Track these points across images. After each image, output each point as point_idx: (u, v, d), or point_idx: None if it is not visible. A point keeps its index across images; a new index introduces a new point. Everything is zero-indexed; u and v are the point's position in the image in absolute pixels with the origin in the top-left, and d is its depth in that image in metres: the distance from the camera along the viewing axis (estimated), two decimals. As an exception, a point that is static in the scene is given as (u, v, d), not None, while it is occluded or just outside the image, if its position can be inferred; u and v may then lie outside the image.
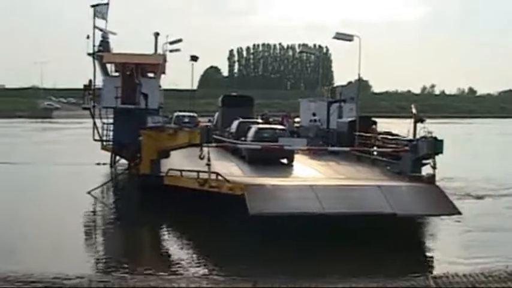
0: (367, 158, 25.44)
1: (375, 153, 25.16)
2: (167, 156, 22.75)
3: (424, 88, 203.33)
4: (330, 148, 25.92)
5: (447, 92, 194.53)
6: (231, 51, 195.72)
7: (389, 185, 18.88)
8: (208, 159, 18.87)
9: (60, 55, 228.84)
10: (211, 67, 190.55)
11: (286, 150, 23.36)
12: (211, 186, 18.54)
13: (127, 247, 16.68)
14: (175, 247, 16.31)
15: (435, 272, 13.66)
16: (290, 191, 17.64)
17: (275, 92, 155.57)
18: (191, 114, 43.37)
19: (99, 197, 23.86)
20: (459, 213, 17.64)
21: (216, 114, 39.62)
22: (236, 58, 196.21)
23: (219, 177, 18.58)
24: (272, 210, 16.34)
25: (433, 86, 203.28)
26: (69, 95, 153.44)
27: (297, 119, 37.42)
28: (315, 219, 16.37)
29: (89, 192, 23.79)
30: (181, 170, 20.70)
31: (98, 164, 33.01)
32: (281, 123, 33.26)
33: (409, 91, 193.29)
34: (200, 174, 19.10)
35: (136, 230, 19.03)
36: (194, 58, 30.16)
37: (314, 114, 32.66)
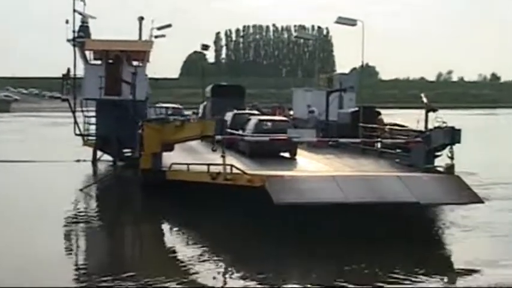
0: (373, 150, 27.55)
1: (379, 145, 27.32)
2: (171, 149, 24.77)
3: (439, 74, 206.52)
4: (341, 140, 27.87)
5: (466, 79, 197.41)
6: (218, 34, 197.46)
7: (408, 175, 21.08)
8: (223, 151, 20.62)
9: (22, 41, 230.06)
10: (195, 52, 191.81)
11: (290, 144, 25.34)
12: (226, 179, 20.35)
13: (112, 250, 18.14)
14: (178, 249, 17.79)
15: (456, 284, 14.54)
16: (311, 182, 19.70)
17: (268, 81, 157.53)
18: (175, 106, 45.61)
19: (93, 194, 25.84)
20: (482, 202, 19.76)
21: (203, 105, 41.90)
22: (224, 42, 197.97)
23: (234, 170, 20.41)
24: (296, 200, 18.40)
25: (450, 72, 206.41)
26: (31, 85, 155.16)
27: (291, 112, 39.88)
28: (332, 210, 18.45)
29: (81, 190, 25.75)
30: (188, 164, 22.71)
31: (78, 161, 34.94)
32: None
33: (422, 78, 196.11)
34: (211, 167, 21.00)
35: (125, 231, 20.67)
36: (205, 47, 31.92)
37: (309, 106, 34.80)
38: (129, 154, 32.19)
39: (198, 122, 23.78)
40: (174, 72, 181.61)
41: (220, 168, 20.60)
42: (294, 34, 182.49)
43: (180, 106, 49.39)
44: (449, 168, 21.40)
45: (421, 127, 24.14)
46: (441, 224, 20.19)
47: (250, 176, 19.96)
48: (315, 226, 18.54)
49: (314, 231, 18.26)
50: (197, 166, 22.43)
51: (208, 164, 21.28)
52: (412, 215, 20.21)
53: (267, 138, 24.75)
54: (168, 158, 24.71)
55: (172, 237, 19.50)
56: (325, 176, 20.50)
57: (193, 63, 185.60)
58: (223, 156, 20.49)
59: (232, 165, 20.61)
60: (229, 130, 28.70)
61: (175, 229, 20.51)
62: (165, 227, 21.18)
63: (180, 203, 22.68)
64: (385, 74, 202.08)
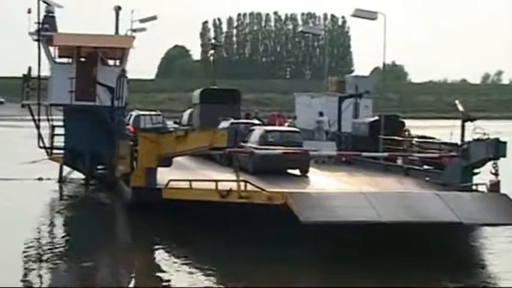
0: (397, 167, 29.62)
1: (399, 161, 29.37)
2: (169, 164, 27.05)
3: (486, 76, 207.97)
4: (365, 154, 29.85)
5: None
6: (205, 23, 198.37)
7: (447, 192, 23.11)
8: (236, 166, 22.97)
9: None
10: (176, 46, 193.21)
11: (302, 159, 27.50)
12: (241, 197, 22.38)
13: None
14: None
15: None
16: (339, 199, 21.79)
17: (268, 83, 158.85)
18: (154, 113, 47.68)
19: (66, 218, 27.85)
20: None
21: (187, 113, 43.95)
22: (212, 34, 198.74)
23: (249, 186, 22.47)
24: (324, 219, 20.46)
25: (499, 73, 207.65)
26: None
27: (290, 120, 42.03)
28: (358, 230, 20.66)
29: (58, 212, 28.02)
30: (190, 180, 24.75)
31: (40, 179, 36.71)
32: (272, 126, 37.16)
33: (463, 80, 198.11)
34: (219, 183, 23.04)
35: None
36: (215, 46, 34.01)
37: (321, 114, 36.83)
38: (104, 171, 34.23)
39: (206, 132, 25.69)
40: (149, 72, 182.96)
41: (231, 185, 22.62)
42: (300, 26, 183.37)
43: (159, 113, 51.41)
44: (494, 186, 23.14)
45: (455, 140, 26.22)
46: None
47: (269, 193, 21.96)
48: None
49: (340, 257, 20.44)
50: (200, 183, 24.46)
51: (217, 180, 23.36)
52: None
53: (280, 152, 26.68)
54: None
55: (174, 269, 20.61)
56: (354, 193, 22.70)
57: (173, 60, 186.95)
58: (236, 172, 22.65)
59: (246, 181, 22.64)
60: None
61: (175, 259, 21.64)
62: (161, 255, 22.31)
63: (179, 225, 24.74)
64: (417, 76, 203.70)
